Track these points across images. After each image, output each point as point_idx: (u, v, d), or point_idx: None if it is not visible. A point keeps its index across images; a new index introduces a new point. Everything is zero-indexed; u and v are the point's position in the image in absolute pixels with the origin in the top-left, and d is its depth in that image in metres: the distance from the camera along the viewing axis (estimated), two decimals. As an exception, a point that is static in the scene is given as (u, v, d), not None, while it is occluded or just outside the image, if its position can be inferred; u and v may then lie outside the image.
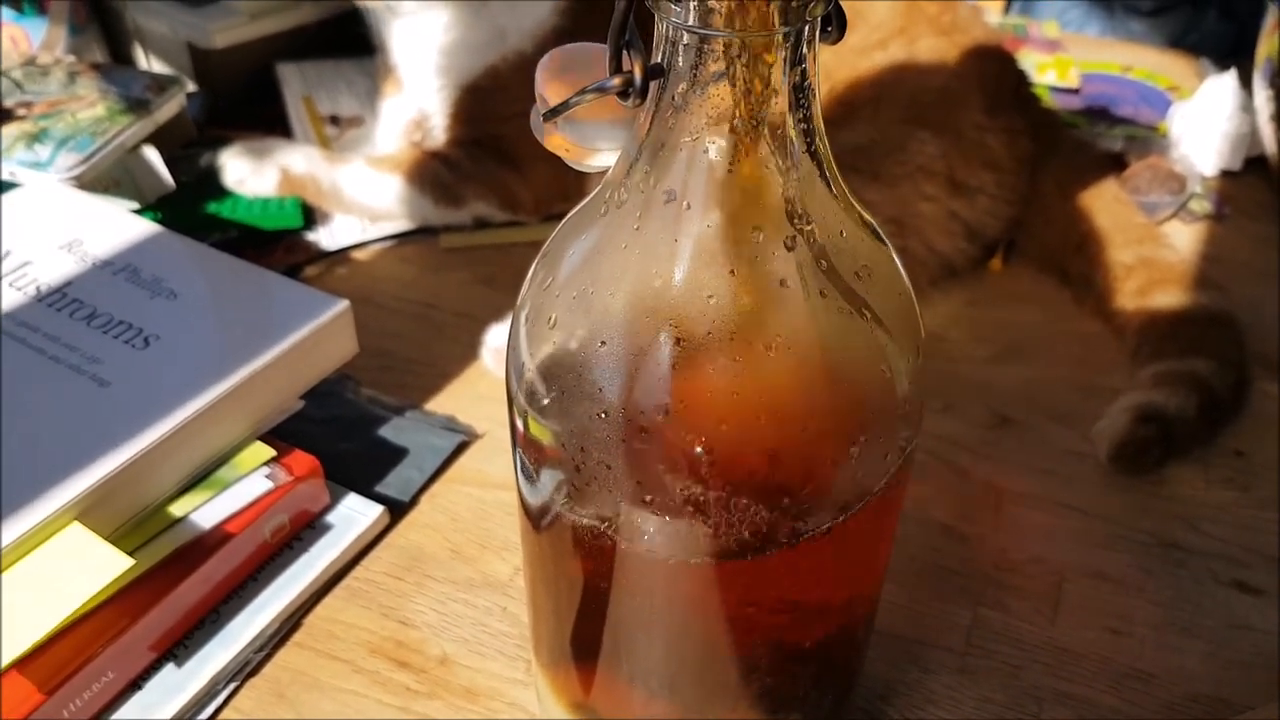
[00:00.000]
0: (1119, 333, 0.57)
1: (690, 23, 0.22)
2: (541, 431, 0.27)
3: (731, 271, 0.24)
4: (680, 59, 0.23)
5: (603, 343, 0.25)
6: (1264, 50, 0.69)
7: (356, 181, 0.63)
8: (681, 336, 0.24)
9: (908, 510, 0.47)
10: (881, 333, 0.26)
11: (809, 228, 0.24)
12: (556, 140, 0.27)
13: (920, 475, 0.49)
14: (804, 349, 0.25)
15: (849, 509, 0.27)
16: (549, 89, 0.27)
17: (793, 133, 0.24)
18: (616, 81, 0.23)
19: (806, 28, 0.22)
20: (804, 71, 0.23)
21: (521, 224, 0.65)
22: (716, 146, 0.24)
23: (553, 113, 0.25)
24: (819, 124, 0.24)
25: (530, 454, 0.28)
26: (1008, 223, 0.61)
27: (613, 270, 0.25)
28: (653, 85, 0.24)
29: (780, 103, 0.23)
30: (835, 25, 0.24)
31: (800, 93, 0.23)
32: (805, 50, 0.23)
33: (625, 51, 0.23)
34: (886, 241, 0.27)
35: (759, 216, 0.24)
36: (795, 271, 0.24)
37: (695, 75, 0.23)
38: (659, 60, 0.23)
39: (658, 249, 0.25)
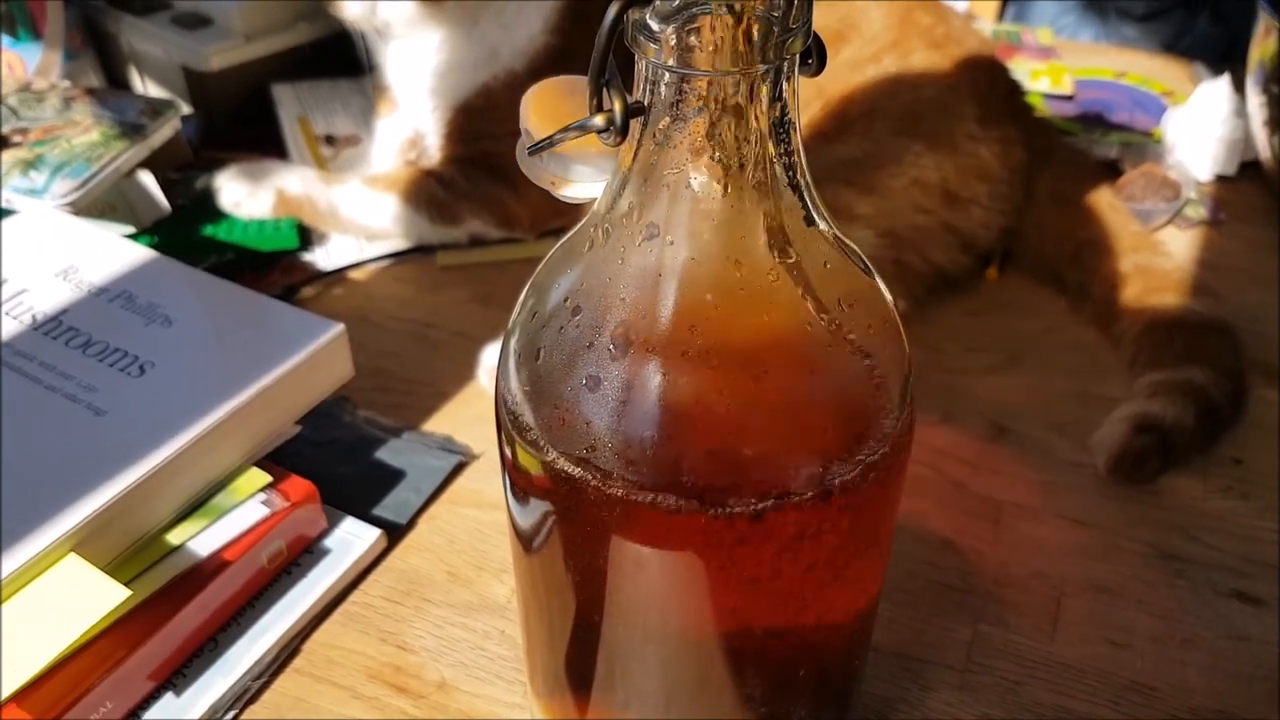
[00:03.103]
0: (1116, 341, 0.57)
1: (670, 63, 0.22)
2: (530, 461, 0.27)
3: (716, 304, 0.24)
4: (661, 96, 0.23)
5: (589, 377, 0.25)
6: (1256, 55, 0.69)
7: (353, 201, 0.63)
8: (668, 370, 0.25)
9: (905, 525, 0.47)
10: (868, 362, 0.26)
11: (793, 260, 0.24)
12: (542, 173, 0.28)
13: (917, 489, 0.49)
14: (790, 380, 0.25)
15: (841, 532, 0.27)
16: (533, 122, 0.27)
17: (775, 166, 0.24)
18: (598, 120, 0.23)
19: (785, 64, 0.23)
20: (784, 106, 0.23)
21: (518, 241, 0.65)
22: (699, 180, 0.24)
23: (536, 148, 0.26)
24: (800, 157, 0.24)
25: (519, 481, 0.29)
26: (1003, 233, 0.61)
27: (599, 305, 0.25)
28: (635, 121, 0.24)
29: (761, 137, 0.23)
30: (815, 58, 0.24)
31: (781, 127, 0.23)
32: (785, 85, 0.23)
33: (605, 90, 0.23)
34: (872, 271, 0.27)
35: (743, 249, 0.24)
36: (780, 303, 0.25)
37: (676, 111, 0.23)
38: (640, 98, 0.24)
39: (643, 283, 0.25)
